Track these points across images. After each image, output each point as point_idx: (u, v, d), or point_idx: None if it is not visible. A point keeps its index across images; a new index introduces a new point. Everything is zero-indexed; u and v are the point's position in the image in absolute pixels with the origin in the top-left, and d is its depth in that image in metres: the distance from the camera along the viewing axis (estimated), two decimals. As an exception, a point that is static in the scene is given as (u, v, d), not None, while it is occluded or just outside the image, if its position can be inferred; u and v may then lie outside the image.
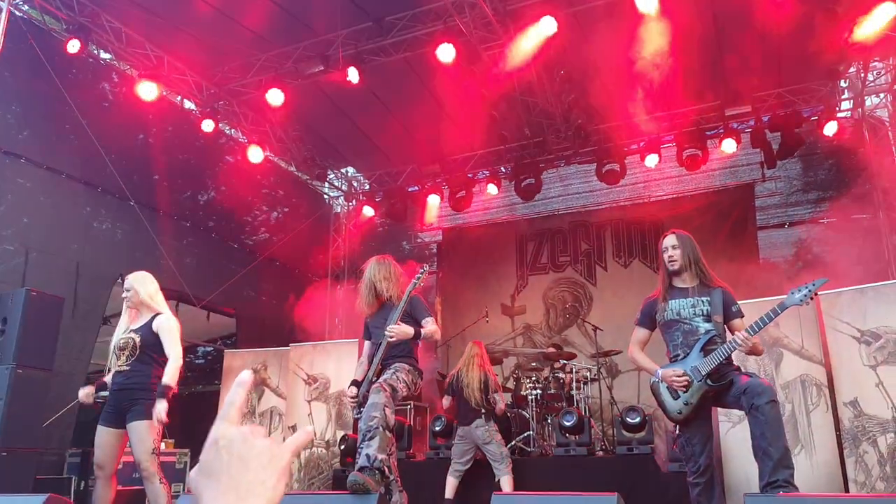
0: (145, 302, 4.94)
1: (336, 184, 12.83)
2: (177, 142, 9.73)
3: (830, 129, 9.28)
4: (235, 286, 10.28)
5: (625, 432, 7.30)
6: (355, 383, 4.95)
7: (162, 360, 4.80)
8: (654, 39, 7.92)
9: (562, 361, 8.69)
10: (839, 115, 9.69)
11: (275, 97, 9.04)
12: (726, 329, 4.10)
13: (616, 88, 9.19)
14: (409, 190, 12.03)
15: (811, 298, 3.83)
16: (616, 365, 10.06)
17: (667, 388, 4.10)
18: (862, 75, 9.45)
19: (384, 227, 12.07)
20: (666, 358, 4.22)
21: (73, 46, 7.88)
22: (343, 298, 12.13)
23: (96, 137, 8.20)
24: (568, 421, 7.39)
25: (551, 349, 9.37)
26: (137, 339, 4.79)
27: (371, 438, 4.32)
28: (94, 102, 8.68)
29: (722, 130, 10.00)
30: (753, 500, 2.96)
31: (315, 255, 11.81)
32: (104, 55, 9.01)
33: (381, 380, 4.56)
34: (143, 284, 4.98)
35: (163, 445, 8.28)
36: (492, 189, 11.24)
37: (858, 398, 6.51)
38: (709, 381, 3.92)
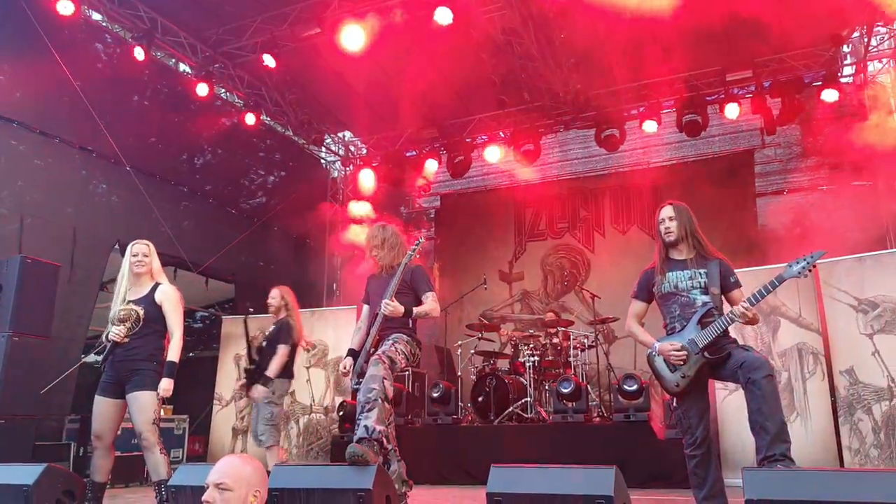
0: (154, 271, 4.88)
1: (333, 148, 12.73)
2: (172, 105, 9.60)
3: (831, 95, 9.19)
4: (233, 252, 10.26)
5: (622, 399, 7.35)
6: (352, 353, 4.91)
7: (163, 331, 4.77)
8: (656, 2, 7.80)
9: (559, 329, 8.71)
10: (841, 80, 9.59)
11: (269, 60, 8.91)
12: (724, 301, 4.06)
13: (616, 53, 9.06)
14: (407, 154, 11.93)
15: (809, 270, 3.79)
16: (613, 331, 10.11)
17: (664, 360, 4.07)
18: (865, 40, 9.33)
19: (382, 191, 11.98)
20: (662, 330, 4.19)
21: (66, 8, 7.73)
22: (341, 265, 12.12)
23: (89, 101, 8.09)
24: (565, 388, 7.44)
25: (549, 315, 9.40)
26: (140, 312, 4.71)
27: (370, 410, 4.30)
28: (86, 65, 8.54)
29: (722, 96, 9.89)
30: (751, 474, 2.95)
31: (313, 220, 11.76)
32: (96, 16, 8.84)
33: (379, 351, 4.51)
34: (155, 255, 4.93)
35: (161, 412, 8.35)
36: (490, 154, 11.14)
37: (854, 366, 6.57)
38: (706, 354, 3.86)
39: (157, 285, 4.84)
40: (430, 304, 4.72)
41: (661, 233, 4.21)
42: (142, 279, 4.86)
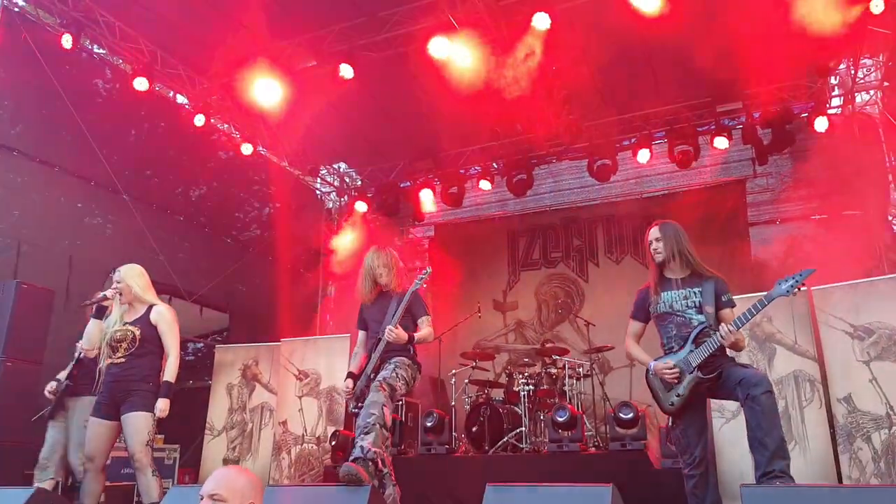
0: (138, 296, 4.88)
1: (328, 179, 12.80)
2: (169, 137, 9.68)
3: (821, 125, 9.31)
4: (228, 281, 10.25)
5: (618, 428, 7.30)
6: (352, 376, 4.92)
7: (160, 351, 4.80)
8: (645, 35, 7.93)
9: (554, 357, 8.69)
10: (829, 111, 9.73)
11: (267, 93, 8.99)
12: (718, 318, 4.07)
13: (608, 84, 9.19)
14: (402, 185, 12.00)
15: (798, 289, 3.82)
16: (608, 361, 10.08)
17: (660, 380, 4.10)
18: (852, 72, 9.49)
19: (376, 222, 12.02)
20: (661, 350, 4.21)
21: (67, 41, 7.90)
22: (334, 294, 12.10)
23: (89, 131, 8.17)
24: (560, 416, 7.40)
25: (546, 345, 9.38)
26: (137, 333, 4.73)
27: (367, 433, 4.32)
28: (87, 97, 8.67)
29: (713, 127, 10.01)
30: (749, 491, 2.95)
31: (307, 250, 11.75)
32: (98, 50, 8.94)
33: (380, 378, 4.55)
34: (134, 278, 4.91)
35: (154, 434, 8.27)
36: (484, 185, 11.22)
37: (852, 394, 6.52)
38: (700, 373, 3.92)
39: (151, 306, 4.88)
40: (425, 329, 4.83)
41: (652, 254, 4.26)
42: (133, 304, 4.88)
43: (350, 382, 4.89)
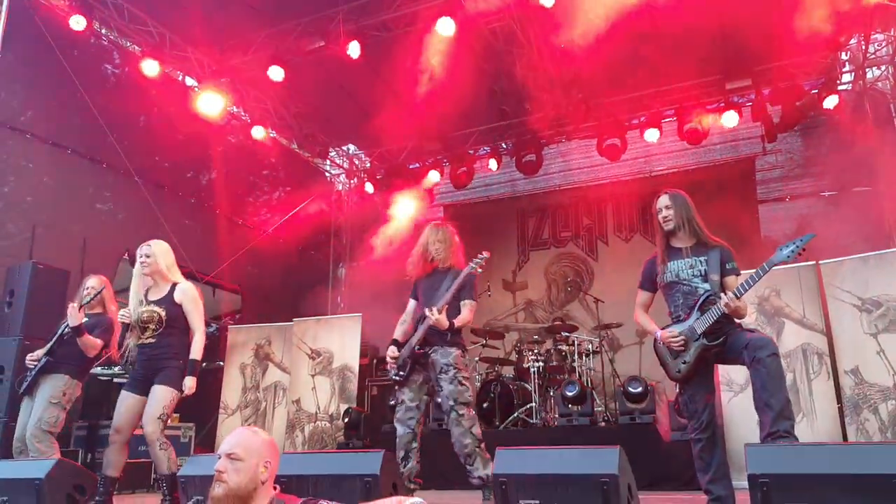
0: (162, 271, 4.94)
1: (338, 161, 12.85)
2: (180, 120, 9.72)
3: (831, 101, 9.28)
4: (240, 263, 10.34)
5: (627, 403, 7.36)
6: (396, 343, 5.05)
7: (186, 328, 4.89)
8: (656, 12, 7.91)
9: (564, 334, 8.74)
10: (840, 87, 9.68)
11: (275, 73, 9.05)
12: (724, 285, 4.09)
13: (617, 62, 9.16)
14: (411, 167, 12.04)
15: (798, 253, 3.85)
16: (618, 339, 10.13)
17: (667, 348, 4.15)
18: (863, 47, 9.43)
19: (385, 203, 12.06)
20: (669, 319, 4.26)
21: (78, 23, 7.94)
22: (344, 275, 12.19)
23: (100, 114, 8.24)
24: (570, 391, 7.47)
25: (556, 324, 9.44)
26: (162, 314, 4.82)
27: (473, 462, 4.74)
28: (97, 79, 8.76)
29: (723, 104, 9.99)
30: (755, 450, 3.00)
31: (317, 231, 11.82)
32: (107, 32, 9.00)
33: (451, 401, 4.74)
34: (163, 254, 4.98)
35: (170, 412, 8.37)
36: (493, 165, 11.24)
37: (859, 366, 6.56)
38: (705, 340, 3.97)
39: (175, 284, 4.94)
40: (464, 313, 4.98)
41: (659, 222, 4.28)
42: (156, 280, 4.94)
43: (394, 349, 5.00)
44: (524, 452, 3.35)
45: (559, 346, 8.56)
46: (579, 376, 8.30)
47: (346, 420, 8.29)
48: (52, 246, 7.76)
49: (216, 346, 11.69)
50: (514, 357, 9.28)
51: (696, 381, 4.08)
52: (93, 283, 5.45)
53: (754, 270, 3.91)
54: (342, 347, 8.87)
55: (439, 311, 4.73)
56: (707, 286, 4.05)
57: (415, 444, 4.80)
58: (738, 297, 3.85)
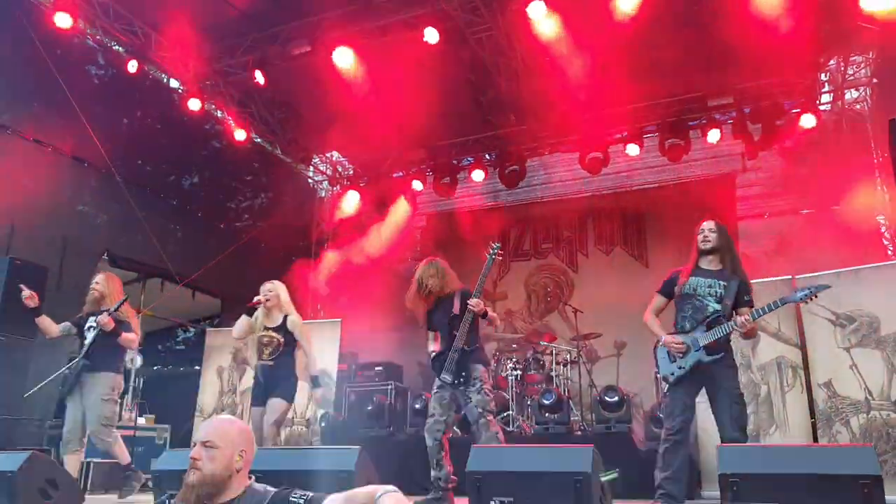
0: (282, 304, 5.86)
1: (321, 168, 12.86)
2: (163, 120, 9.73)
3: (809, 121, 9.40)
4: (220, 267, 10.28)
5: (603, 411, 7.40)
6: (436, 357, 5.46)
7: (295, 350, 5.82)
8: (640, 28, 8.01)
9: (542, 343, 8.78)
10: (819, 108, 9.83)
11: (260, 77, 9.07)
12: (734, 313, 4.52)
13: (600, 77, 9.26)
14: (394, 175, 12.07)
15: (811, 299, 4.41)
16: (596, 350, 10.16)
17: (666, 351, 4.56)
18: (842, 68, 9.60)
19: (368, 211, 12.07)
20: (672, 327, 4.69)
21: (63, 21, 7.90)
22: (324, 282, 12.17)
23: (83, 114, 8.19)
24: (547, 399, 7.50)
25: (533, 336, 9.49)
26: (280, 339, 5.75)
27: None
28: (81, 79, 8.70)
29: (704, 121, 10.11)
30: (726, 451, 3.05)
31: (299, 238, 11.81)
32: (92, 30, 8.97)
33: (479, 409, 5.15)
34: (283, 291, 5.95)
35: (143, 420, 8.34)
36: (476, 176, 11.29)
37: (832, 380, 6.64)
38: (704, 353, 4.39)
39: (286, 316, 5.84)
40: (493, 313, 5.54)
41: (699, 241, 4.76)
42: (271, 310, 5.83)
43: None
44: (499, 450, 3.39)
45: (537, 356, 8.60)
46: (557, 386, 8.34)
47: (323, 425, 8.27)
48: (31, 243, 7.70)
49: (194, 349, 11.64)
50: (492, 366, 9.29)
51: (683, 388, 4.49)
52: (100, 281, 6.17)
53: (768, 303, 4.41)
54: (321, 353, 8.76)
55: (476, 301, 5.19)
56: (718, 307, 4.48)
57: (442, 453, 5.28)
58: (753, 321, 4.37)
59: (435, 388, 5.43)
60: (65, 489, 4.37)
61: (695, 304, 4.54)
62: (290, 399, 5.72)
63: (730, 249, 4.69)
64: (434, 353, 5.50)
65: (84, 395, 5.71)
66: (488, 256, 5.46)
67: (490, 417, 5.17)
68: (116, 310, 5.76)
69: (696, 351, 4.39)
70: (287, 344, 5.77)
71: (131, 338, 5.87)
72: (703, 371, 4.43)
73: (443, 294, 5.47)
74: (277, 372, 5.72)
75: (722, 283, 4.52)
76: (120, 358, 5.94)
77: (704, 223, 4.81)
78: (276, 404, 5.61)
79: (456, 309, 5.32)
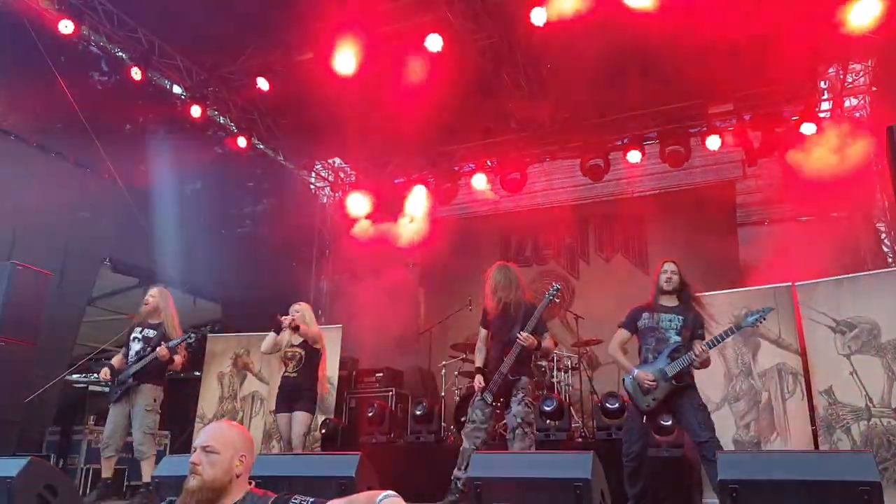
0: (306, 322, 6.44)
1: (323, 174, 12.89)
2: (166, 127, 9.75)
3: (809, 128, 9.42)
4: (222, 273, 10.30)
5: (604, 418, 7.40)
6: (482, 371, 5.66)
7: (318, 365, 6.42)
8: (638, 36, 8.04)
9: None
10: (819, 115, 9.85)
11: (263, 83, 9.10)
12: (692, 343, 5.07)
13: (603, 84, 9.28)
14: (396, 182, 12.09)
15: (761, 321, 4.97)
16: (597, 357, 10.15)
17: (638, 385, 5.02)
18: (841, 76, 9.62)
19: (369, 217, 12.08)
20: (637, 356, 5.22)
21: (66, 27, 7.93)
22: (326, 288, 12.19)
23: (86, 120, 8.22)
24: (548, 406, 7.50)
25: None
26: (304, 354, 6.34)
27: None
28: (85, 85, 8.72)
29: (704, 128, 10.13)
30: (726, 457, 3.06)
31: (301, 243, 11.82)
32: (95, 37, 9.00)
33: (519, 419, 5.32)
34: (309, 312, 6.56)
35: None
36: (477, 182, 11.31)
37: (833, 386, 6.65)
38: (674, 382, 4.93)
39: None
40: (548, 341, 5.72)
41: (662, 281, 5.30)
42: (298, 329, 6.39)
43: (481, 378, 5.59)
44: (500, 456, 3.40)
45: (538, 362, 8.59)
46: (558, 392, 8.33)
47: (324, 431, 8.27)
48: (33, 248, 7.68)
49: (195, 355, 11.63)
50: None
51: (650, 415, 5.08)
52: (154, 294, 6.55)
53: (721, 331, 5.05)
54: (321, 358, 8.83)
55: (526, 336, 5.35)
56: (678, 339, 5.04)
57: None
58: (708, 350, 4.96)
59: (478, 396, 5.57)
60: (64, 495, 4.38)
61: (657, 336, 5.10)
62: (312, 411, 6.28)
63: (686, 287, 5.26)
64: (483, 351, 5.72)
65: (133, 404, 6.12)
66: (546, 295, 5.61)
67: (528, 429, 5.33)
68: (175, 346, 6.23)
69: (666, 381, 4.91)
70: (309, 358, 6.34)
71: (178, 362, 6.36)
72: (675, 392, 4.97)
73: (509, 300, 5.62)
74: (301, 384, 6.26)
75: (681, 317, 5.10)
76: (164, 371, 6.36)
77: (666, 264, 5.34)
78: (301, 417, 6.17)
79: (514, 329, 5.43)
